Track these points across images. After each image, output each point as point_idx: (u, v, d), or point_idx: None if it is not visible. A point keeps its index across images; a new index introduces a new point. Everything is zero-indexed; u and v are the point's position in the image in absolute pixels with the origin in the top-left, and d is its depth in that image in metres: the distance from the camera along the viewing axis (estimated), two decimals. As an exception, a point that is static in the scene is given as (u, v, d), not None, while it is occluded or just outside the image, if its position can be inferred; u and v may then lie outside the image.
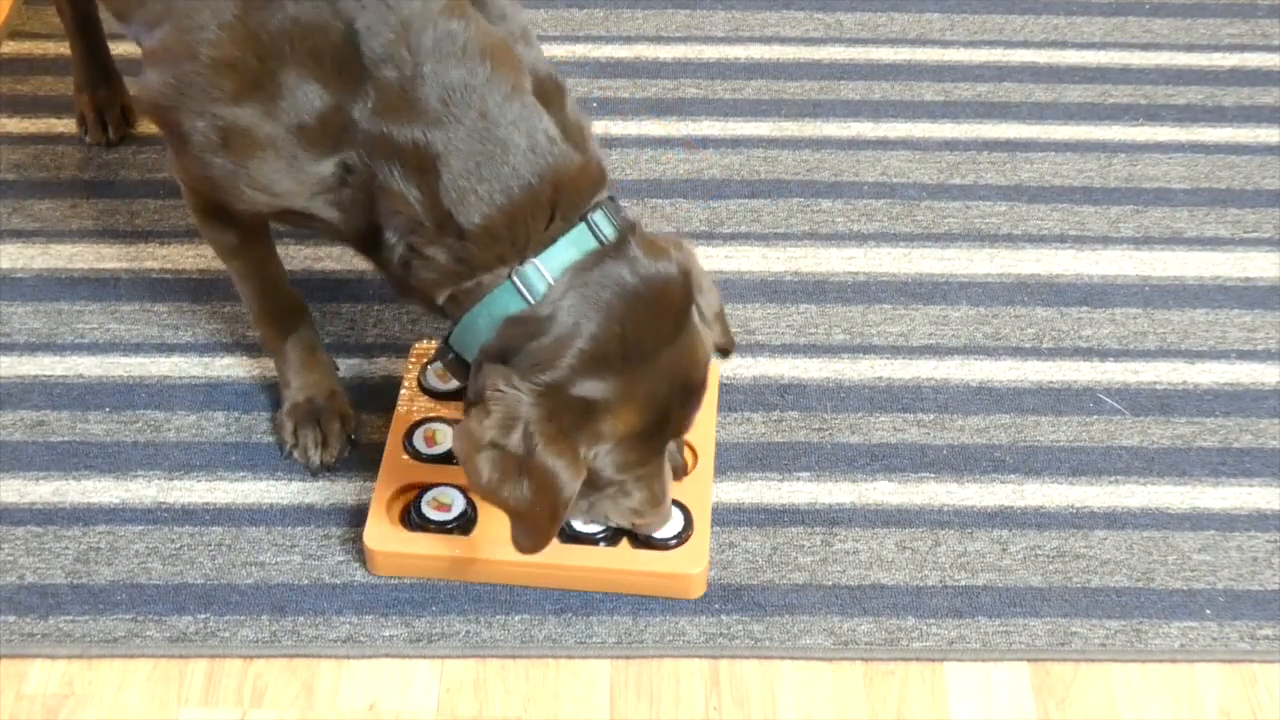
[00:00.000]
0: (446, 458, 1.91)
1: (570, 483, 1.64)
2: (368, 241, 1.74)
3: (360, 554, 1.87)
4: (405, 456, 1.93)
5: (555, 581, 1.85)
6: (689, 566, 1.84)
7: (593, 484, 1.71)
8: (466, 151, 1.62)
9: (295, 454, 1.97)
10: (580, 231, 1.66)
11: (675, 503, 1.86)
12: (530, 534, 1.69)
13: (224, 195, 1.74)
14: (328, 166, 1.67)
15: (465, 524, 1.86)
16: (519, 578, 1.85)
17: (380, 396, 2.05)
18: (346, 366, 2.09)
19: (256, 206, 1.73)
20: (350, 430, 1.99)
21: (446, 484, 1.89)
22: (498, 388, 1.63)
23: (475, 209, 1.63)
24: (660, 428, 1.71)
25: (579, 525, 1.85)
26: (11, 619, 1.82)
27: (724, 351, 1.82)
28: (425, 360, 2.03)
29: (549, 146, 1.65)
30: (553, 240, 1.65)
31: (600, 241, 1.65)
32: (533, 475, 1.63)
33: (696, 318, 1.71)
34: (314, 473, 1.96)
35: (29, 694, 1.77)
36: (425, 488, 1.89)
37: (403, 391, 2.00)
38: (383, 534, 1.85)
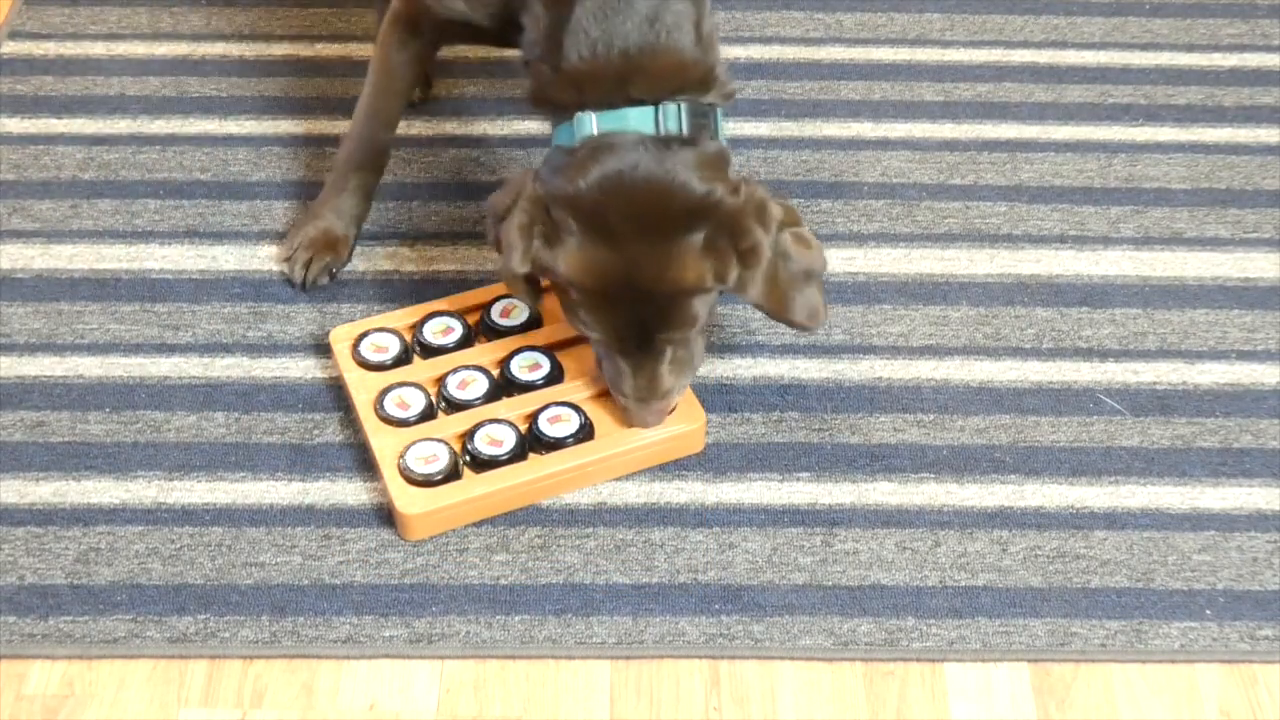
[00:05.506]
0: (426, 414, 1.97)
1: (512, 261, 1.82)
2: (509, 37, 1.91)
3: (360, 554, 1.88)
4: (390, 426, 1.95)
5: (584, 480, 1.94)
6: (691, 422, 1.97)
7: (571, 310, 1.85)
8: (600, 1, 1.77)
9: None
10: (644, 113, 1.77)
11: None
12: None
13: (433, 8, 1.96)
14: None
15: (454, 472, 1.91)
16: (546, 491, 1.93)
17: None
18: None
19: (450, 15, 1.95)
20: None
21: (428, 439, 1.93)
22: (524, 180, 1.84)
23: (576, 50, 1.78)
24: (618, 309, 1.81)
25: (548, 429, 1.94)
26: (11, 619, 1.82)
27: (801, 327, 1.89)
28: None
29: (666, 27, 1.76)
30: (623, 106, 1.77)
31: (658, 129, 1.77)
32: (501, 240, 1.86)
33: (701, 246, 1.79)
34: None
35: (29, 694, 1.77)
36: (407, 448, 1.92)
37: (348, 376, 2.01)
38: (412, 498, 1.88)
